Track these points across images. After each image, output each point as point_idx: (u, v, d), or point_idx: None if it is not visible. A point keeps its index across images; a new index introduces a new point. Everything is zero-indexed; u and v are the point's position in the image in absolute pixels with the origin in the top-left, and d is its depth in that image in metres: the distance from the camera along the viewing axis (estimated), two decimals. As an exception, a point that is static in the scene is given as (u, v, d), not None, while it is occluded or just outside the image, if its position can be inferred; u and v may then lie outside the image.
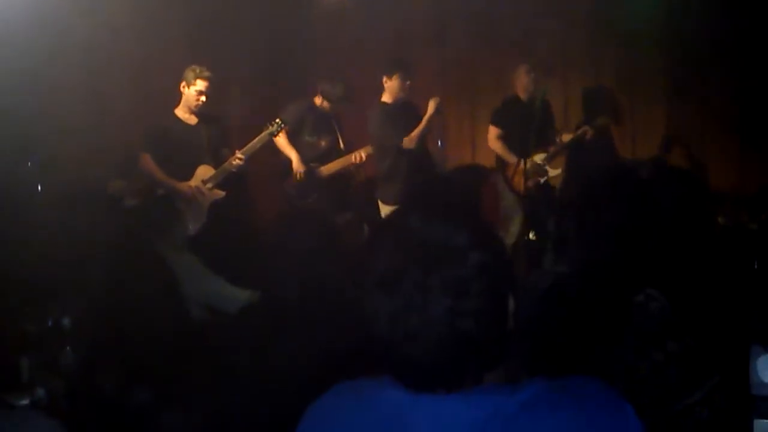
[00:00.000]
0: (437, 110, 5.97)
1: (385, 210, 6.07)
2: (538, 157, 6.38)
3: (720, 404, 1.87)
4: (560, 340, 1.96)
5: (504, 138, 6.48)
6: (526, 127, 6.14)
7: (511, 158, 6.37)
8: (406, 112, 6.08)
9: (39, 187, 5.02)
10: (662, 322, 1.94)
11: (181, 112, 5.57)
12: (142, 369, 2.75)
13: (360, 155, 6.10)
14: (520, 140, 6.19)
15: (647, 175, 2.50)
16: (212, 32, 7.05)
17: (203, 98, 5.49)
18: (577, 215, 2.22)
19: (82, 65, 6.04)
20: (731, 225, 4.94)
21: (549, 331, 1.96)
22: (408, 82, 6.03)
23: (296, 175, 6.02)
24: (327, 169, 6.14)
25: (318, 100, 6.16)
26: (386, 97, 6.10)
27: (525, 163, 6.00)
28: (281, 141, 5.99)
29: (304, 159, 6.06)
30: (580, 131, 6.52)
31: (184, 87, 5.49)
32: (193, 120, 5.57)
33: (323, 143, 6.17)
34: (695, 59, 6.90)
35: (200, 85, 5.45)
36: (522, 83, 6.53)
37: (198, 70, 5.45)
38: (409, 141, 5.95)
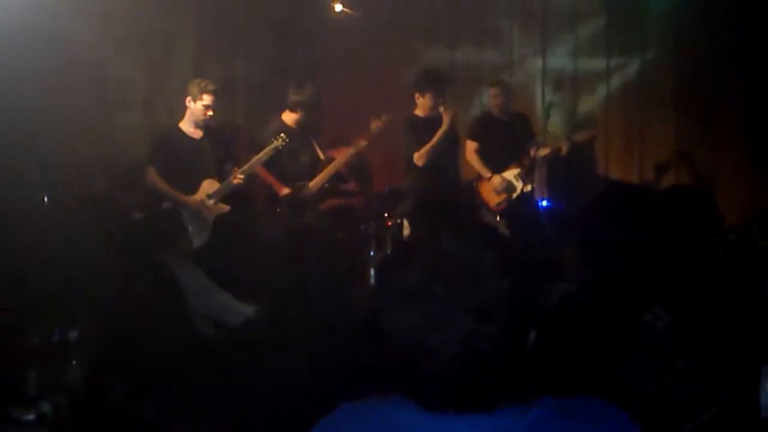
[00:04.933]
0: (452, 125, 5.70)
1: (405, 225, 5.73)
2: (511, 173, 6.21)
3: (729, 427, 1.85)
4: (567, 359, 1.94)
5: (480, 153, 6.29)
6: (499, 142, 6.17)
7: (486, 173, 6.25)
8: (436, 128, 5.76)
9: (45, 199, 5.02)
10: (670, 342, 1.93)
11: (185, 126, 5.52)
12: (147, 383, 2.75)
13: (344, 156, 5.92)
14: (498, 155, 6.17)
15: (655, 193, 2.49)
16: (219, 45, 7.08)
17: (210, 112, 5.47)
18: (582, 232, 2.21)
19: (90, 79, 6.06)
20: (741, 242, 4.91)
21: (556, 350, 1.95)
22: (441, 100, 5.74)
23: (283, 198, 5.85)
24: (314, 184, 5.91)
25: (286, 116, 5.92)
26: (419, 111, 5.86)
27: (493, 179, 6.05)
28: (260, 169, 5.76)
29: (286, 180, 5.85)
30: (554, 147, 6.41)
31: (189, 101, 5.45)
32: (198, 134, 5.53)
33: (302, 159, 5.92)
34: (705, 74, 6.90)
35: (206, 99, 5.41)
36: (493, 102, 6.42)
37: (202, 84, 5.40)
38: (419, 157, 5.73)
